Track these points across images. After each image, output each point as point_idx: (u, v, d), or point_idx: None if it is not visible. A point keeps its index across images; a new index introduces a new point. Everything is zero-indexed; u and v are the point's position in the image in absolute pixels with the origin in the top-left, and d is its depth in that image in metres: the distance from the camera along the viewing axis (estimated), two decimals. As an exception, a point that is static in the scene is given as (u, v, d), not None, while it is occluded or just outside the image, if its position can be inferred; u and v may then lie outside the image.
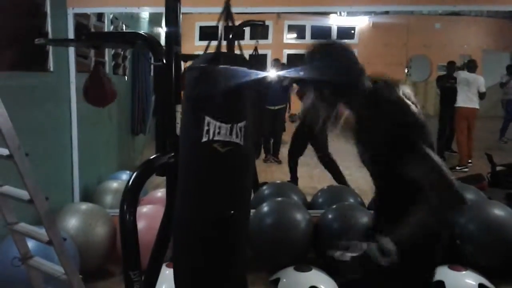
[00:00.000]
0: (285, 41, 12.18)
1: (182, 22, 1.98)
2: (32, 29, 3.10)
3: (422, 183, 1.39)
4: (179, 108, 1.95)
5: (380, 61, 9.44)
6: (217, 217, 1.49)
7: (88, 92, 3.46)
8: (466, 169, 6.22)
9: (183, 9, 2.01)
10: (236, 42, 1.68)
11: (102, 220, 3.18)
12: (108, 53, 4.79)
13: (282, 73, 5.94)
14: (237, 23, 1.66)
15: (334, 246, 1.47)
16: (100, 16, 4.47)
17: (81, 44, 2.97)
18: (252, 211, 3.19)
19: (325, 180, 4.90)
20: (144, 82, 6.10)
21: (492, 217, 3.16)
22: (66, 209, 3.20)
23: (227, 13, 1.51)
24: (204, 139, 1.43)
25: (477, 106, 6.51)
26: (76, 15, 3.56)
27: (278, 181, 4.74)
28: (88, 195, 3.86)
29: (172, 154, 1.92)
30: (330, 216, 3.26)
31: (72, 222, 3.06)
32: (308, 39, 11.84)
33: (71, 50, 3.49)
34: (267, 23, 10.47)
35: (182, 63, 2.13)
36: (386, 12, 11.39)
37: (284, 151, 6.04)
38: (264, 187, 3.97)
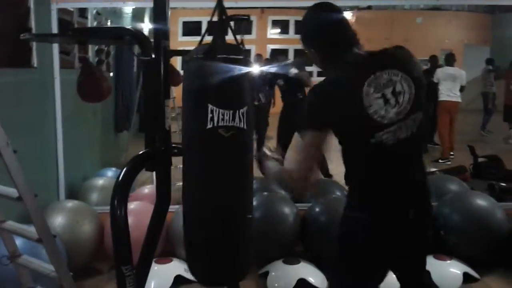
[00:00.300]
0: (268, 36, 12.20)
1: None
2: (16, 24, 3.05)
3: None
4: (168, 103, 1.96)
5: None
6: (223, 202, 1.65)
7: (84, 88, 3.25)
8: (449, 162, 6.33)
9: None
10: (236, 35, 1.76)
11: (88, 217, 3.16)
12: (91, 49, 4.73)
13: (266, 68, 5.94)
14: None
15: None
16: (82, 12, 4.41)
17: (68, 39, 2.91)
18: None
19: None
20: (128, 79, 6.04)
21: (475, 207, 3.22)
22: (52, 207, 3.17)
23: (220, 7, 1.56)
24: (209, 126, 1.53)
25: (459, 100, 6.62)
26: (59, 11, 3.50)
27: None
28: (73, 193, 3.81)
29: (162, 149, 1.92)
30: (317, 209, 3.29)
31: (58, 220, 3.03)
32: (291, 34, 11.88)
33: (55, 46, 3.43)
34: (251, 18, 10.46)
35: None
36: (369, 7, 11.47)
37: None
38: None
